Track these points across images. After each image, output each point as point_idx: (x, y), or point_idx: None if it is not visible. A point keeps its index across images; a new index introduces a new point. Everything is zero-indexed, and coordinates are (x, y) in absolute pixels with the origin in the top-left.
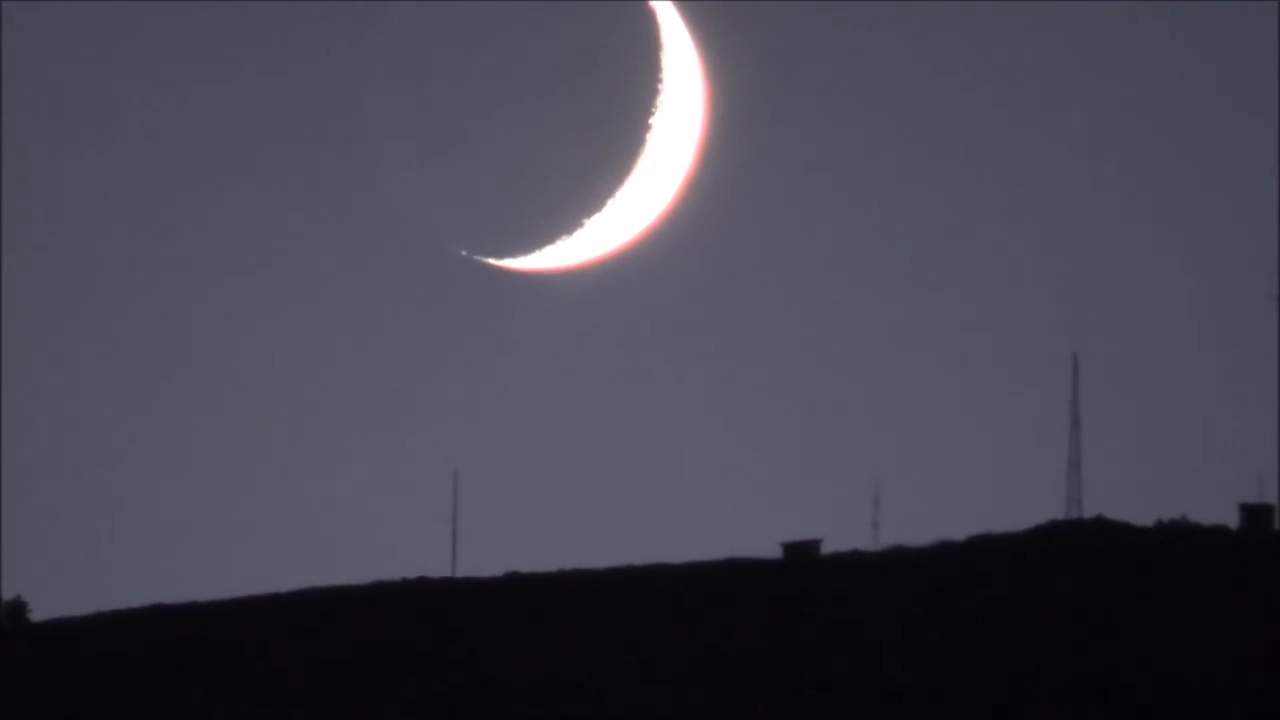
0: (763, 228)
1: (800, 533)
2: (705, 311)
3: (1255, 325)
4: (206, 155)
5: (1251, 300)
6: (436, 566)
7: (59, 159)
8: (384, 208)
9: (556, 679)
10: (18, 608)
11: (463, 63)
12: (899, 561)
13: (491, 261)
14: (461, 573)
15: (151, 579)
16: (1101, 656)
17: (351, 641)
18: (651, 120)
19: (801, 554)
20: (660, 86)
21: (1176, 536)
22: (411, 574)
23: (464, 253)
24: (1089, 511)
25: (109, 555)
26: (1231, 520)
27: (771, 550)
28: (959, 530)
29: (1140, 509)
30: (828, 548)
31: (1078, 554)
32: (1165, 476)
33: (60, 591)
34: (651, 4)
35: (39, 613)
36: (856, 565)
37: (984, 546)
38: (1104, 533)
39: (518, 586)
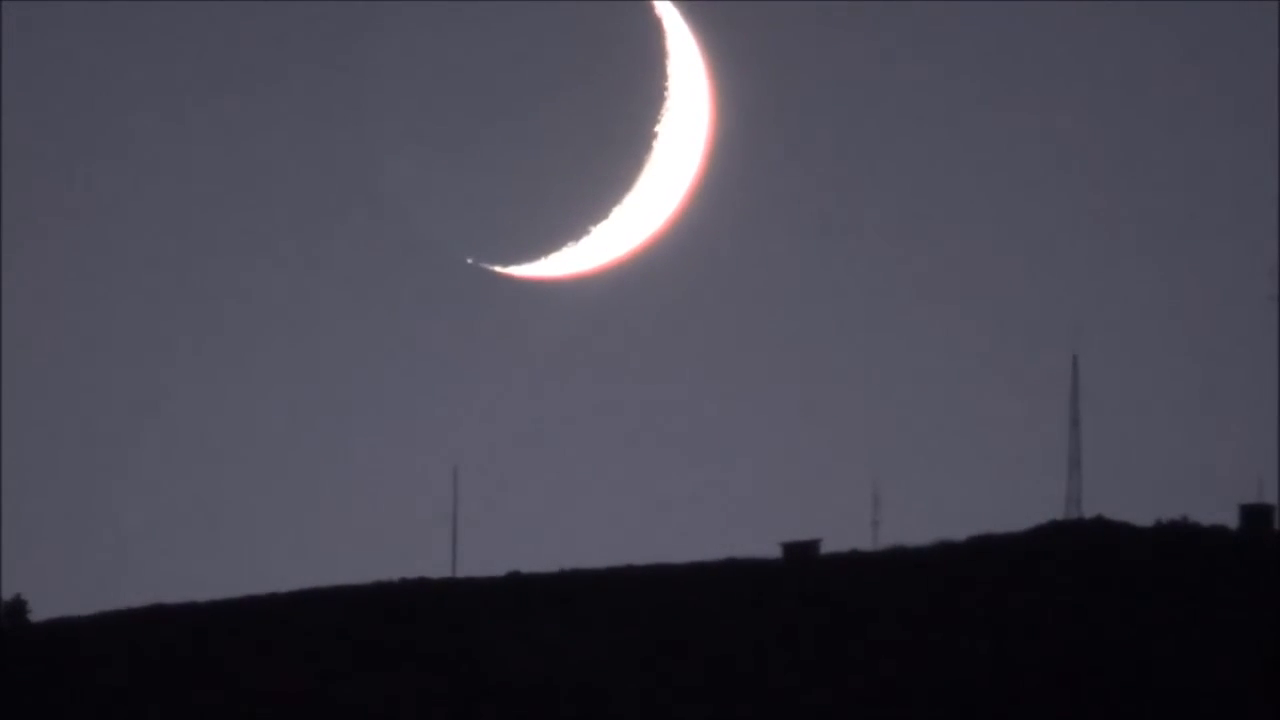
0: (767, 235)
1: (800, 533)
2: (709, 318)
3: (1255, 325)
4: (212, 160)
5: (1251, 300)
6: (436, 566)
7: (58, 159)
8: (390, 215)
9: (556, 679)
10: (18, 608)
11: (469, 69)
12: (899, 561)
13: (497, 269)
14: (461, 573)
15: (151, 579)
16: (1101, 656)
17: (351, 641)
18: (657, 128)
19: (801, 554)
20: (666, 94)
21: (1176, 536)
22: (411, 574)
23: (470, 260)
24: (1089, 511)
25: (109, 555)
26: (1231, 520)
27: (771, 550)
28: (959, 530)
29: (1140, 509)
30: (828, 548)
31: (1078, 554)
32: (1165, 476)
33: (60, 591)
34: (658, 12)
35: (39, 613)
36: (856, 565)
37: (984, 546)
38: (1104, 533)
39: (518, 586)
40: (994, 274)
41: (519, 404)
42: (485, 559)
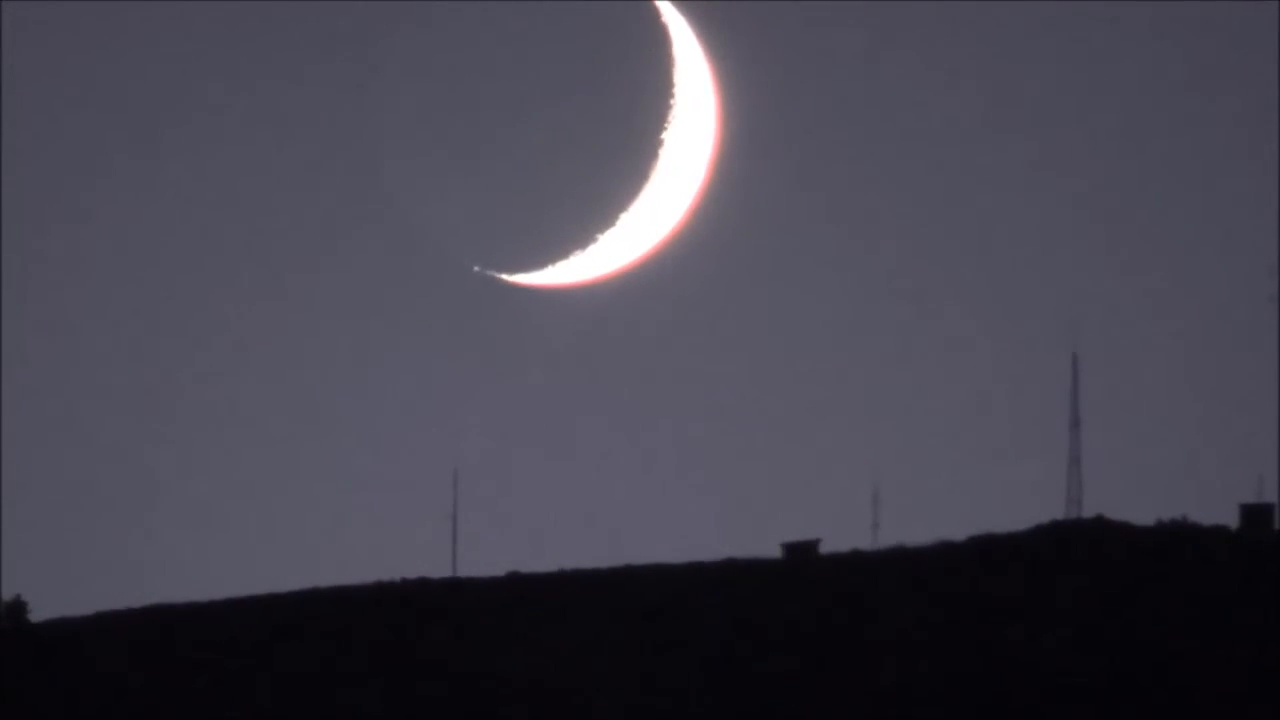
0: (772, 243)
1: (800, 533)
2: (713, 325)
3: (1255, 325)
4: (218, 164)
5: (1251, 300)
6: (436, 566)
7: (58, 160)
8: (397, 222)
9: (556, 679)
10: (18, 608)
11: (477, 76)
12: (899, 561)
13: (504, 276)
14: (461, 573)
15: (151, 579)
16: (1102, 656)
17: (352, 641)
18: (664, 135)
19: (801, 554)
20: (673, 101)
21: (1176, 536)
22: (411, 574)
23: (476, 268)
24: (1089, 511)
25: (109, 555)
26: (1231, 520)
27: (771, 550)
28: (959, 530)
29: (1140, 509)
30: (827, 548)
31: (1078, 554)
32: (1165, 476)
33: (60, 591)
34: (664, 18)
35: (39, 613)
36: (856, 565)
37: (984, 546)
38: (1104, 533)
39: (518, 586)
40: (994, 274)
41: (520, 405)
42: (485, 559)
